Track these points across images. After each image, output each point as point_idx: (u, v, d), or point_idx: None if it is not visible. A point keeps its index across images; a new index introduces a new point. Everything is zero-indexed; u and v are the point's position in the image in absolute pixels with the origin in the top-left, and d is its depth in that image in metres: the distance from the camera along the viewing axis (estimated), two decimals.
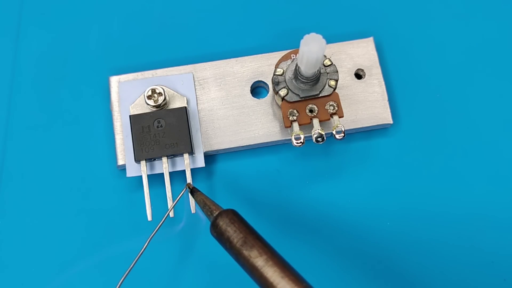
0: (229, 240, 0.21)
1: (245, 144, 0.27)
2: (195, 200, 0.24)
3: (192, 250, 0.26)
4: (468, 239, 0.26)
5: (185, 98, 0.27)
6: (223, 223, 0.22)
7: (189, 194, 0.25)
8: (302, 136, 0.25)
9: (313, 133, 0.25)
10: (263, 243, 0.21)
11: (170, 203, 0.25)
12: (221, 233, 0.22)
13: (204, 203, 0.23)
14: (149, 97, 0.26)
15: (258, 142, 0.27)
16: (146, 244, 0.24)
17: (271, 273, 0.20)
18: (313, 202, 0.27)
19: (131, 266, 0.23)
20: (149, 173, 0.26)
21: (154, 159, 0.25)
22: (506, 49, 0.29)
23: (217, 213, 0.22)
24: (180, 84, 0.27)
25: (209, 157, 0.27)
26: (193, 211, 0.25)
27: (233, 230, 0.21)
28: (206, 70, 0.28)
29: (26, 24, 0.30)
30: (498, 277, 0.26)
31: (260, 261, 0.20)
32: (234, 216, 0.22)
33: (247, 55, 0.28)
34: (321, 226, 0.27)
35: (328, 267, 0.26)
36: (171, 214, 0.25)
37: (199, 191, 0.24)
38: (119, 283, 0.23)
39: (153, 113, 0.26)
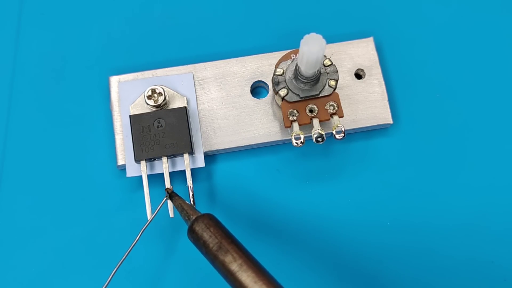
0: (205, 245, 0.21)
1: (245, 144, 0.27)
2: (173, 204, 0.24)
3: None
4: (468, 238, 0.26)
5: (185, 98, 0.27)
6: (199, 228, 0.22)
7: (168, 198, 0.25)
8: (302, 136, 0.25)
9: (313, 133, 0.25)
10: (238, 248, 0.21)
11: (170, 203, 0.25)
12: (197, 238, 0.22)
13: (182, 208, 0.23)
14: (149, 97, 0.26)
15: (258, 142, 0.27)
16: (134, 243, 0.24)
17: (245, 277, 0.20)
18: (313, 202, 0.27)
19: (117, 265, 0.23)
20: (149, 173, 0.26)
21: (154, 159, 0.25)
22: (506, 49, 0.29)
23: (193, 218, 0.22)
24: (180, 84, 0.27)
25: (209, 157, 0.27)
26: (171, 215, 0.25)
27: (208, 235, 0.22)
28: (206, 70, 0.28)
29: (26, 24, 0.30)
30: (498, 277, 0.26)
31: (234, 266, 0.21)
32: (210, 221, 0.22)
33: (247, 55, 0.28)
34: (321, 226, 0.27)
35: (327, 266, 0.26)
36: (171, 214, 0.25)
37: (178, 195, 0.24)
38: (106, 283, 0.23)
39: (153, 113, 0.26)
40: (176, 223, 0.26)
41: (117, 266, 0.23)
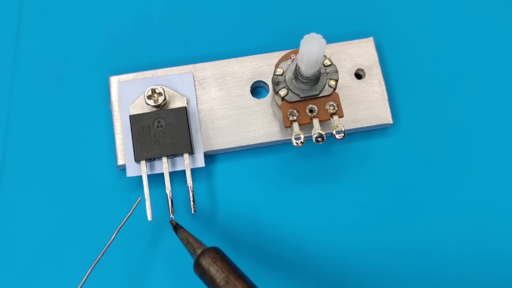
0: (212, 279, 0.21)
1: (245, 144, 0.27)
2: (178, 237, 0.24)
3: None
4: (468, 238, 0.26)
5: (185, 98, 0.27)
6: (205, 263, 0.22)
7: (173, 230, 0.24)
8: (302, 136, 0.25)
9: (313, 133, 0.25)
10: (246, 282, 0.21)
11: (170, 203, 0.25)
12: (204, 273, 0.22)
13: (187, 241, 0.23)
14: (149, 97, 0.26)
15: (258, 142, 0.27)
16: (113, 235, 0.24)
17: None
18: (312, 202, 0.27)
19: (94, 263, 0.24)
20: (149, 173, 0.26)
21: (154, 159, 0.25)
22: (506, 49, 0.29)
23: (199, 252, 0.22)
24: (180, 84, 0.27)
25: (209, 157, 0.27)
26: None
27: (215, 270, 0.21)
28: (206, 70, 0.28)
29: (26, 24, 0.30)
30: (498, 277, 0.26)
31: None
32: (216, 254, 0.22)
33: (247, 55, 0.28)
34: (321, 226, 0.27)
35: (327, 266, 0.26)
36: (171, 214, 0.25)
37: (182, 227, 0.24)
38: (83, 281, 0.23)
39: (153, 113, 0.26)
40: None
41: (94, 263, 0.23)
